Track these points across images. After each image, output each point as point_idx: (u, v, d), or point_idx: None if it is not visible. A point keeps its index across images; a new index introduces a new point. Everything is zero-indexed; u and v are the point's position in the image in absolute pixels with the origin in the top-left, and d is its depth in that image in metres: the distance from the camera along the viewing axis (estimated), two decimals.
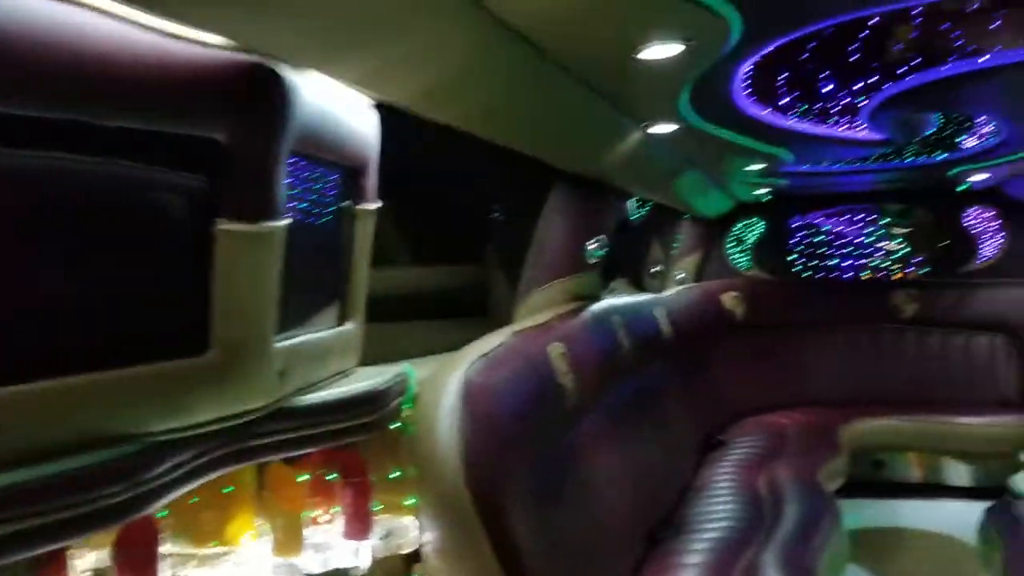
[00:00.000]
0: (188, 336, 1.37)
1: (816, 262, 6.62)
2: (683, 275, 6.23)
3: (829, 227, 6.60)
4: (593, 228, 3.43)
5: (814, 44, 2.38)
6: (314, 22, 1.34)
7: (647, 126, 3.01)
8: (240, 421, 1.52)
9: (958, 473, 5.78)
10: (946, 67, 2.66)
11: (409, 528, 1.95)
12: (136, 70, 1.18)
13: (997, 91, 2.97)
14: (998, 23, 2.27)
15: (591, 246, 3.45)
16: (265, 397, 1.57)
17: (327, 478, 1.88)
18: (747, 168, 4.46)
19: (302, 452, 1.73)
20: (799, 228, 6.63)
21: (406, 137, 2.28)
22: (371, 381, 1.82)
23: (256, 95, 1.35)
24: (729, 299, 6.21)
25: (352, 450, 1.86)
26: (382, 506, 1.94)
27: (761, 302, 6.28)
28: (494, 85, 1.96)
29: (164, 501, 1.35)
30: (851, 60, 2.56)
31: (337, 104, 1.64)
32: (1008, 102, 3.15)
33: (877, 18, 2.21)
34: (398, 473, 1.97)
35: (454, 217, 3.34)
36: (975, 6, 2.25)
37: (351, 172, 1.82)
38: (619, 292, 4.73)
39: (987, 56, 2.55)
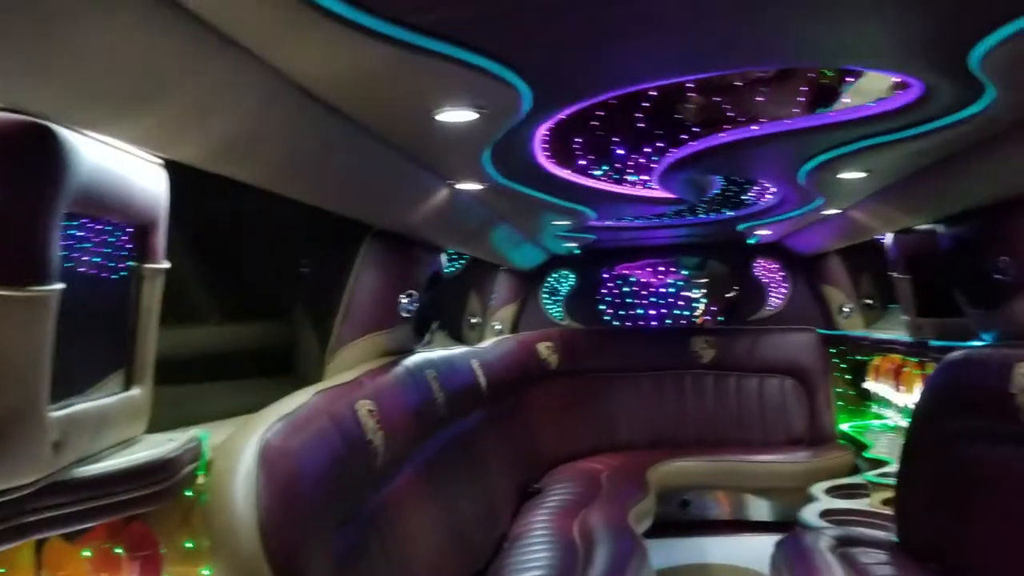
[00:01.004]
0: None
1: (624, 311, 6.97)
2: (500, 326, 6.38)
3: (635, 279, 6.98)
4: (405, 282, 3.46)
5: (602, 113, 2.54)
6: (88, 82, 1.29)
7: (454, 183, 3.09)
8: (11, 497, 1.41)
9: (758, 509, 6.18)
10: (722, 135, 2.93)
11: None
12: None
13: (767, 157, 3.30)
14: (762, 98, 2.53)
15: (403, 300, 3.47)
16: (38, 470, 1.46)
17: (114, 552, 1.77)
18: (555, 223, 4.66)
19: (84, 527, 1.63)
20: (608, 280, 6.97)
21: (209, 191, 2.23)
22: (159, 448, 1.74)
23: (24, 156, 1.28)
24: (544, 349, 6.40)
25: (140, 521, 1.76)
26: None
27: (574, 351, 6.52)
28: (289, 143, 1.96)
29: None
30: (638, 127, 2.75)
31: (121, 163, 1.59)
32: (776, 167, 3.49)
33: (655, 92, 2.40)
34: (191, 544, 1.88)
35: (259, 272, 3.27)
36: (742, 83, 2.49)
37: (138, 232, 1.75)
38: (436, 345, 4.77)
39: (755, 127, 2.83)
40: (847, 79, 2.51)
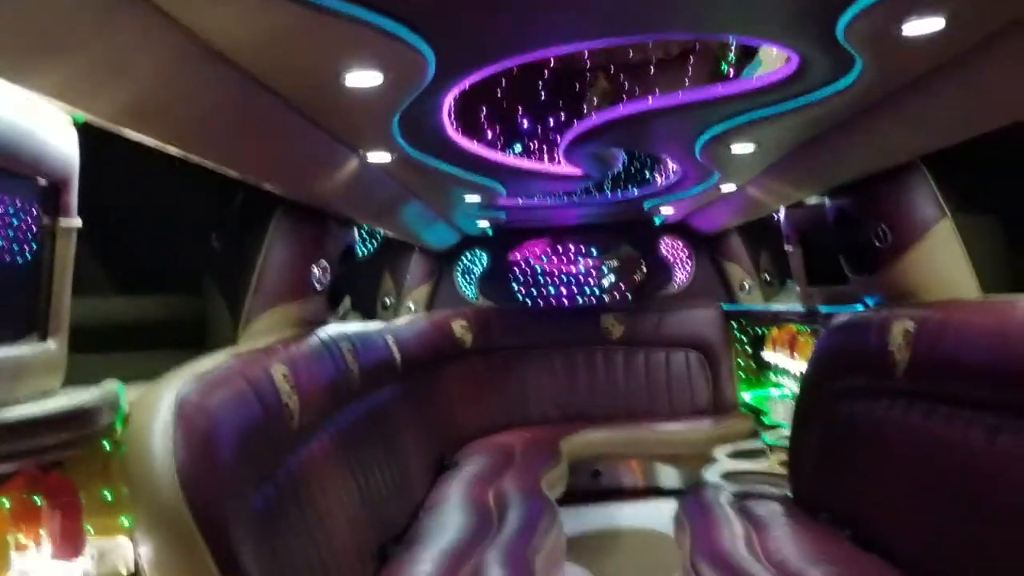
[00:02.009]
0: None
1: (536, 290, 7.14)
2: (414, 306, 6.46)
3: (546, 258, 7.15)
4: (317, 254, 3.50)
5: (506, 83, 2.66)
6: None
7: (363, 153, 3.15)
8: None
9: (667, 476, 6.45)
10: (622, 108, 3.08)
11: (124, 549, 1.90)
12: None
13: (665, 130, 3.47)
14: (654, 72, 2.68)
15: (315, 272, 3.51)
16: None
17: (33, 502, 1.80)
18: (465, 200, 4.76)
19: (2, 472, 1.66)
20: (519, 260, 7.12)
21: (119, 165, 2.24)
22: (78, 397, 1.78)
23: None
24: (458, 327, 6.50)
25: (59, 472, 1.79)
26: (94, 529, 1.88)
27: (488, 329, 6.64)
28: (200, 105, 2.00)
29: None
30: (541, 99, 2.88)
31: (33, 120, 1.62)
32: (674, 141, 3.67)
33: (553, 61, 2.52)
34: (110, 494, 1.92)
35: (169, 245, 3.26)
36: (637, 58, 2.64)
37: (51, 188, 1.78)
38: (347, 321, 4.82)
39: (652, 100, 2.99)
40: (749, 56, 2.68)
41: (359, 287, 5.82)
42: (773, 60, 2.68)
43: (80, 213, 1.87)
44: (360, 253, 5.31)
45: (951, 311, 3.02)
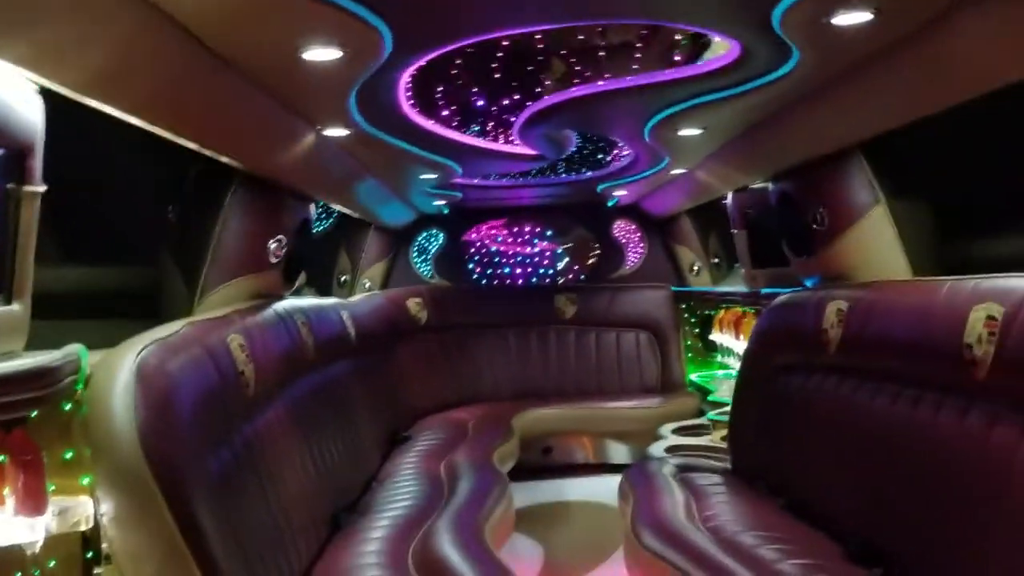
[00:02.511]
0: None
1: (491, 270, 7.24)
2: (370, 284, 6.52)
3: (501, 238, 7.25)
4: (273, 228, 3.55)
5: (461, 62, 2.74)
6: None
7: (321, 129, 3.21)
8: None
9: (616, 452, 6.62)
10: (574, 90, 3.18)
11: (85, 506, 1.97)
12: None
13: (616, 113, 3.58)
14: (603, 55, 2.79)
15: (272, 245, 3.57)
16: None
17: None
18: (421, 177, 4.83)
19: None
20: (475, 239, 7.22)
21: (76, 134, 2.28)
22: (41, 357, 1.84)
23: None
24: (413, 304, 6.59)
25: (21, 430, 1.85)
26: (56, 487, 1.94)
27: (443, 307, 6.74)
28: (160, 76, 2.06)
29: None
30: (495, 78, 2.97)
31: None
32: (625, 123, 3.79)
33: (509, 43, 2.61)
34: (71, 454, 1.98)
35: (125, 216, 3.28)
36: (588, 41, 2.74)
37: (16, 154, 1.82)
38: (305, 296, 4.87)
39: (603, 82, 3.10)
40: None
41: (315, 263, 5.86)
42: (718, 48, 2.80)
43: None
44: (317, 229, 5.35)
45: (881, 291, 3.18)
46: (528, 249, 7.27)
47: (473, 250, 7.22)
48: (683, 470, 4.27)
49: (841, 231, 3.55)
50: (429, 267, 7.14)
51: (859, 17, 2.13)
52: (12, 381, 1.72)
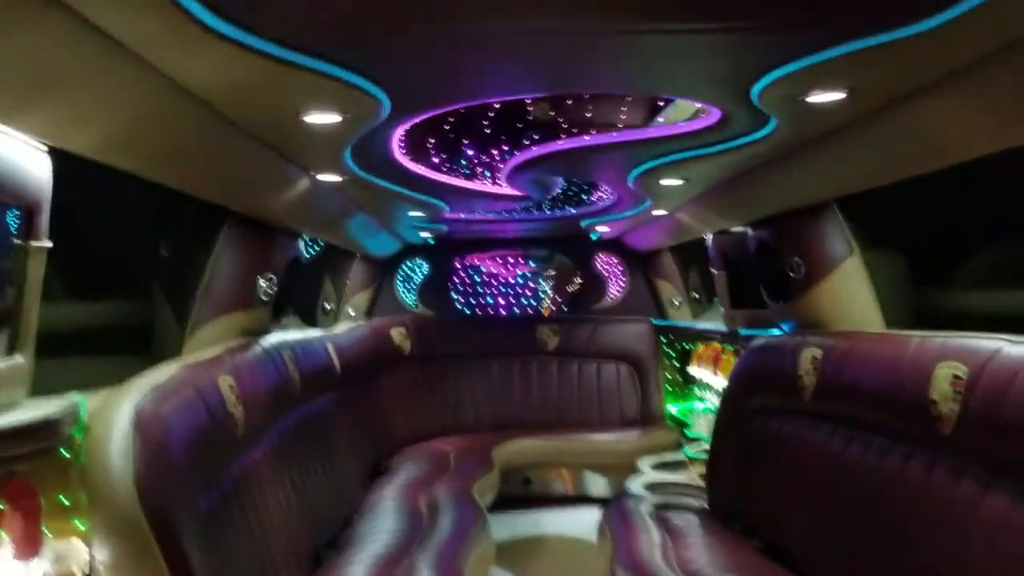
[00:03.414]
0: None
1: (475, 300, 7.32)
2: (354, 312, 6.57)
3: (485, 269, 7.34)
4: (263, 266, 3.62)
5: (453, 120, 2.84)
6: None
7: (315, 174, 3.29)
8: None
9: (595, 484, 6.68)
10: (560, 143, 3.29)
11: (79, 552, 2.02)
12: None
13: (600, 163, 3.70)
14: (589, 115, 2.90)
15: (261, 283, 3.63)
16: None
17: None
18: (410, 214, 4.92)
19: None
20: (460, 270, 7.30)
21: (72, 170, 2.34)
22: (41, 410, 1.90)
23: None
24: (397, 334, 6.64)
25: (19, 478, 1.90)
26: (51, 533, 1.99)
27: (426, 337, 6.80)
28: (166, 136, 2.14)
29: None
30: (485, 132, 3.07)
31: (9, 150, 1.74)
32: (609, 172, 3.90)
33: (498, 105, 2.71)
34: (67, 500, 2.03)
35: (117, 252, 3.33)
36: (572, 102, 2.85)
37: (25, 213, 1.90)
38: (290, 328, 4.92)
39: (588, 137, 3.21)
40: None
41: (300, 291, 5.90)
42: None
43: None
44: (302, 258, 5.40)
45: (854, 341, 3.28)
46: (514, 271, 7.36)
47: (457, 280, 7.31)
48: (661, 509, 4.35)
49: (816, 280, 3.65)
50: (413, 296, 7.21)
51: (833, 96, 2.24)
52: (14, 435, 1.78)
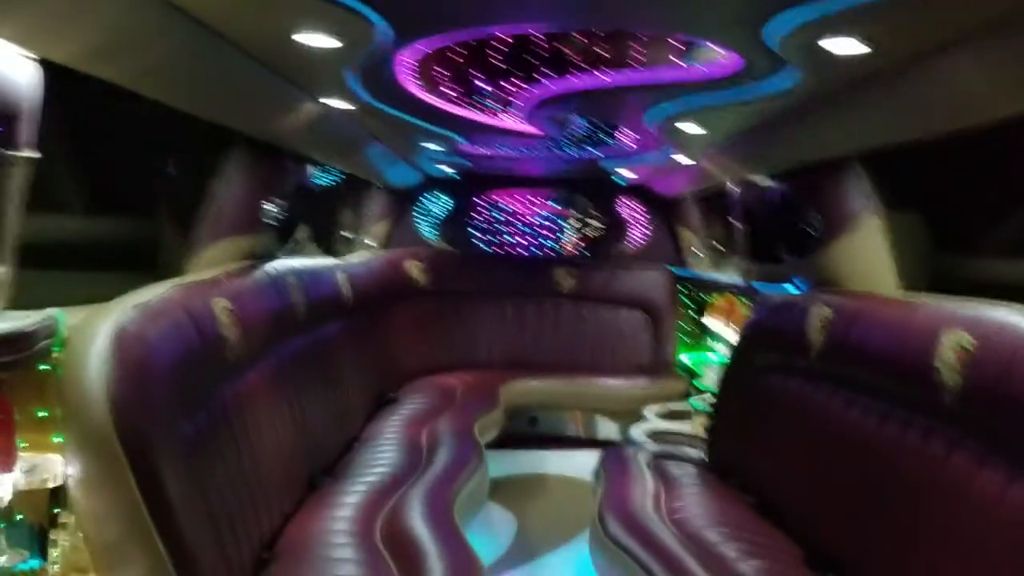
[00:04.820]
0: None
1: (495, 238, 7.26)
2: (372, 242, 6.55)
3: (506, 207, 7.26)
4: (269, 190, 3.58)
5: (465, 51, 2.74)
6: None
7: (321, 99, 3.22)
8: None
9: (602, 428, 6.70)
10: (576, 81, 3.18)
11: (54, 464, 2.04)
12: None
13: (618, 105, 3.58)
14: (600, 52, 2.79)
15: (267, 207, 3.60)
16: None
17: None
18: (427, 146, 4.83)
19: None
20: (481, 205, 7.23)
21: (80, 87, 2.30)
22: (18, 322, 1.89)
23: None
24: (413, 267, 6.62)
25: None
26: (27, 444, 2.01)
27: (442, 271, 6.77)
28: (154, 51, 2.08)
29: None
30: (498, 65, 2.97)
31: None
32: (627, 115, 3.79)
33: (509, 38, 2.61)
34: (44, 413, 2.04)
35: (127, 169, 3.31)
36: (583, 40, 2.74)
37: (4, 120, 1.85)
38: (304, 253, 4.90)
39: (606, 77, 3.09)
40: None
41: (319, 218, 5.88)
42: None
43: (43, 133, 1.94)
44: (320, 184, 5.36)
45: (865, 303, 3.20)
46: (532, 220, 7.28)
47: (478, 216, 7.23)
48: (659, 458, 4.33)
49: (835, 238, 3.56)
50: (433, 230, 7.16)
51: (853, 46, 2.12)
52: None
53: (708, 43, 2.49)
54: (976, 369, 2.31)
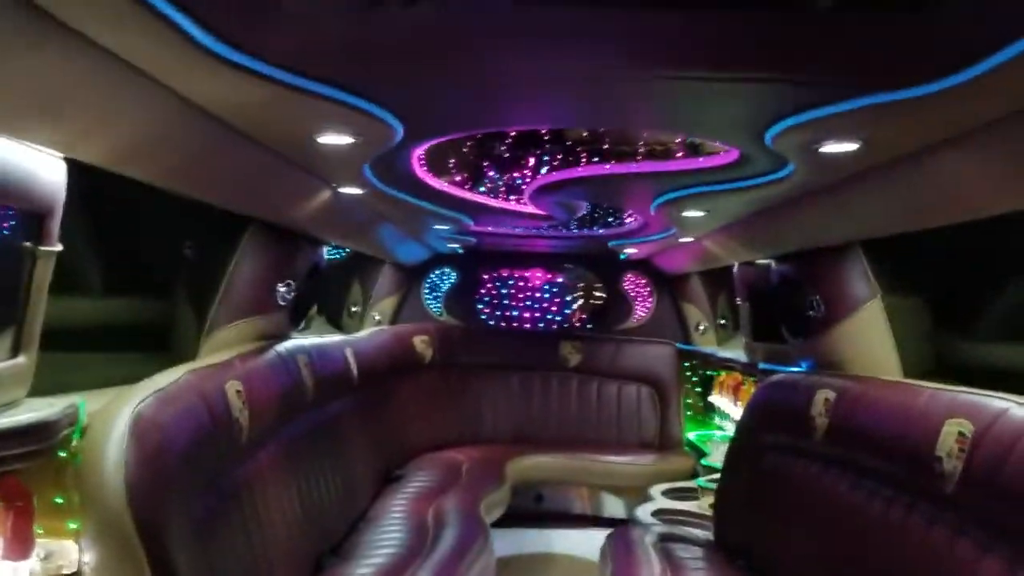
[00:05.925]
0: None
1: (500, 312, 7.34)
2: (379, 317, 6.62)
3: (513, 282, 7.36)
4: (284, 271, 3.67)
5: (472, 142, 2.86)
6: (6, 98, 1.51)
7: (337, 187, 3.33)
8: None
9: (608, 505, 6.64)
10: (580, 170, 3.29)
11: (70, 551, 2.07)
12: None
13: (623, 192, 3.69)
14: (605, 146, 2.91)
15: (281, 288, 3.68)
16: None
17: None
18: (436, 227, 4.95)
19: None
20: (487, 281, 7.32)
21: (99, 172, 2.41)
22: (40, 412, 1.95)
23: None
24: (419, 342, 6.67)
25: (14, 477, 1.96)
26: (43, 530, 2.04)
27: (449, 346, 6.82)
28: (179, 149, 2.18)
29: None
30: (504, 157, 3.09)
31: (22, 157, 1.79)
32: (632, 200, 3.89)
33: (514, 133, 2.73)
34: (61, 499, 2.08)
35: (145, 252, 3.40)
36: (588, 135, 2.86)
37: (36, 217, 1.95)
38: (314, 331, 4.98)
39: (610, 166, 3.21)
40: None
41: (328, 292, 5.96)
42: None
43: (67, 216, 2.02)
44: (330, 259, 5.46)
45: (868, 387, 3.24)
46: (538, 293, 7.36)
47: (484, 291, 7.32)
48: (665, 539, 4.31)
49: (836, 321, 3.61)
50: (439, 305, 7.25)
51: (846, 147, 2.22)
52: (11, 435, 1.83)
53: (707, 139, 2.60)
54: (975, 456, 2.35)
